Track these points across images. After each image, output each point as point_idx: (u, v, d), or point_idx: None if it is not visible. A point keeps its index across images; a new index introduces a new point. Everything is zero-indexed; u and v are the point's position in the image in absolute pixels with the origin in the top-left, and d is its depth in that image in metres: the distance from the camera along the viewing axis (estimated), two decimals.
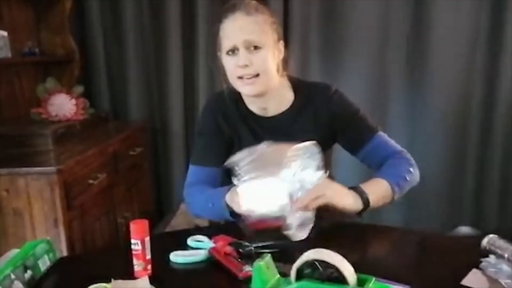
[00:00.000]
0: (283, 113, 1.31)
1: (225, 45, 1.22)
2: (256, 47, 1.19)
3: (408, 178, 1.22)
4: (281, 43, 1.27)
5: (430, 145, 2.74)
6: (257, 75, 1.20)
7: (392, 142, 1.32)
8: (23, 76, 2.40)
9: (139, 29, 2.74)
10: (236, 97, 1.32)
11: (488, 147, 2.72)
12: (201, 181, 1.30)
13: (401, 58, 2.69)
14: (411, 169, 1.24)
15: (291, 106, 1.31)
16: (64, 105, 2.30)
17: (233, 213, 1.14)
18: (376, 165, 1.29)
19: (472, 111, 2.71)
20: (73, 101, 2.33)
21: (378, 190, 1.18)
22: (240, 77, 1.21)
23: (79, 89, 2.41)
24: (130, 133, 2.51)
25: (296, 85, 1.33)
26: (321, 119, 1.29)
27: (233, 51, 1.20)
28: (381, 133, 1.31)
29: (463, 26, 2.61)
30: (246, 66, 1.19)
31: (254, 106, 1.31)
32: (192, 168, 1.35)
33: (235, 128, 1.32)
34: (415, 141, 2.77)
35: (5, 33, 2.18)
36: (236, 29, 1.20)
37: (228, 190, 1.15)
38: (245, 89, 1.24)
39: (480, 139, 2.72)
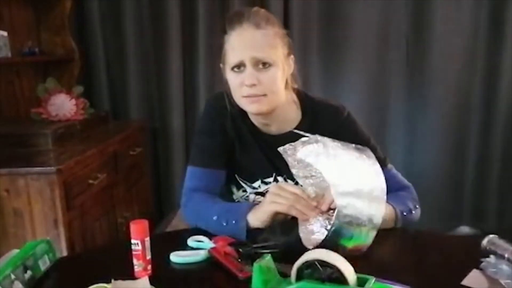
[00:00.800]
0: (288, 133, 1.20)
1: (231, 60, 1.12)
2: (264, 64, 1.10)
3: (413, 212, 1.16)
4: (292, 58, 1.18)
5: (430, 144, 2.75)
6: (264, 94, 1.11)
7: (400, 175, 1.25)
8: (23, 76, 2.40)
9: (139, 30, 2.74)
10: (238, 108, 1.22)
11: (488, 147, 2.72)
12: (204, 186, 1.20)
13: (401, 57, 2.69)
14: (416, 205, 1.19)
15: (297, 126, 1.21)
16: (64, 105, 2.30)
17: (249, 233, 1.07)
18: None
19: (472, 111, 2.71)
20: (73, 101, 2.33)
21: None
22: (245, 96, 1.12)
23: (79, 89, 2.41)
24: (130, 133, 2.51)
25: (304, 103, 1.23)
26: None
27: (239, 67, 1.11)
28: (390, 165, 1.24)
29: (463, 25, 2.61)
30: (253, 85, 1.10)
31: (256, 121, 1.24)
32: (192, 170, 1.23)
33: (240, 134, 1.24)
34: (415, 140, 2.77)
35: (5, 33, 2.18)
36: (243, 44, 1.10)
37: (249, 208, 1.09)
38: (250, 108, 1.15)
39: (480, 139, 2.73)
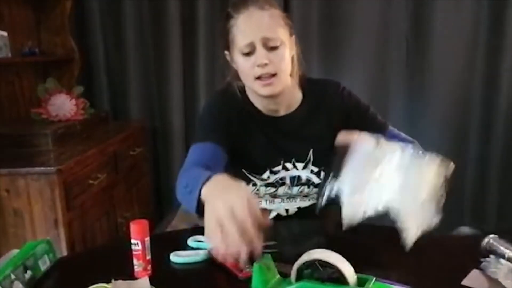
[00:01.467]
0: (293, 113, 1.26)
1: (241, 43, 1.13)
2: (273, 45, 1.12)
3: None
4: (293, 38, 1.21)
5: (429, 144, 2.73)
6: (275, 74, 1.13)
7: (403, 134, 1.30)
8: (23, 76, 2.40)
9: (139, 29, 2.74)
10: (242, 95, 1.26)
11: (488, 147, 2.72)
12: (202, 160, 1.11)
13: (401, 58, 2.69)
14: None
15: (300, 106, 1.27)
16: (64, 105, 2.30)
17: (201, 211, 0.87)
18: None
19: (472, 111, 2.71)
20: (73, 101, 2.33)
21: None
22: (258, 77, 1.14)
23: (79, 89, 2.41)
24: (130, 133, 2.51)
25: (303, 82, 1.27)
26: (336, 118, 1.26)
27: (249, 51, 1.12)
28: (391, 127, 1.30)
29: (463, 26, 2.61)
30: (266, 64, 1.12)
31: (262, 106, 1.25)
32: (191, 148, 1.18)
33: (246, 127, 1.24)
34: (415, 140, 2.77)
35: (5, 33, 2.18)
36: (252, 26, 1.12)
37: (208, 178, 0.89)
38: (264, 90, 1.16)
39: (480, 139, 2.73)
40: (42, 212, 1.74)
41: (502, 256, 0.93)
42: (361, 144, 1.00)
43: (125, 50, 2.76)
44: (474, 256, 0.95)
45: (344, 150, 1.01)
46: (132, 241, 0.92)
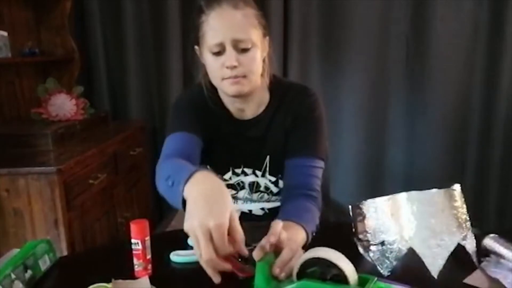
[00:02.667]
0: (258, 116, 1.21)
1: (210, 42, 1.08)
2: (244, 47, 1.07)
3: (318, 228, 1.05)
4: (267, 39, 1.15)
5: (430, 144, 2.74)
6: (244, 76, 1.09)
7: (319, 179, 1.16)
8: (23, 76, 2.40)
9: (139, 29, 2.74)
10: (212, 93, 1.21)
11: (488, 147, 2.72)
12: (179, 150, 1.11)
13: (401, 58, 2.69)
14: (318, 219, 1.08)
15: (266, 109, 1.21)
16: (64, 105, 2.30)
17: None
18: (288, 185, 1.15)
19: (472, 111, 2.71)
20: (73, 101, 2.33)
21: (299, 235, 0.96)
22: (226, 78, 1.10)
23: (79, 89, 2.41)
24: (130, 133, 2.51)
25: (273, 84, 1.21)
26: (288, 123, 1.19)
27: (218, 50, 1.08)
28: (321, 163, 1.17)
29: (463, 25, 2.61)
30: (234, 67, 1.07)
31: (231, 106, 1.22)
32: (167, 138, 1.17)
33: (213, 125, 1.22)
34: (415, 141, 2.77)
35: (5, 33, 2.18)
36: (223, 25, 1.07)
37: (194, 172, 0.86)
38: (231, 89, 1.11)
39: (480, 139, 2.73)
40: (42, 212, 1.74)
41: (502, 255, 0.93)
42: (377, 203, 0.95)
43: (125, 50, 2.76)
44: (475, 256, 0.95)
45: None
46: (132, 240, 0.92)
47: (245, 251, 0.80)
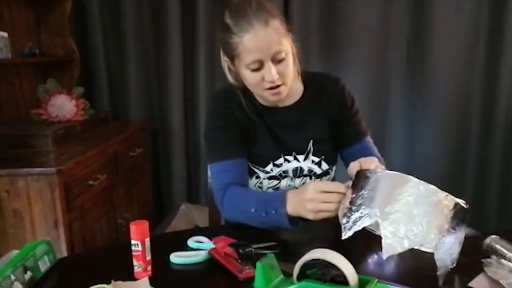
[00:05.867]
0: (294, 104, 1.30)
1: (247, 61, 1.14)
2: (280, 58, 1.15)
3: None
4: (290, 35, 1.21)
5: (430, 145, 2.74)
6: (283, 83, 1.18)
7: (376, 149, 1.34)
8: (23, 77, 2.40)
9: (139, 29, 2.74)
10: (242, 89, 1.28)
11: (488, 147, 2.72)
12: (232, 178, 1.23)
13: (401, 58, 2.70)
14: None
15: (302, 97, 1.31)
16: (64, 106, 2.30)
17: (291, 220, 1.08)
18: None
19: (472, 112, 2.71)
20: (73, 102, 2.33)
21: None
22: (267, 89, 1.18)
23: (79, 90, 2.41)
24: (130, 133, 2.51)
25: (303, 75, 1.31)
26: (333, 110, 1.31)
27: (257, 67, 1.15)
28: (369, 137, 1.35)
29: (463, 26, 2.61)
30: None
31: (263, 99, 1.29)
32: (216, 166, 1.25)
33: (251, 121, 1.28)
34: (415, 141, 2.77)
35: (5, 34, 2.18)
36: (260, 46, 1.12)
37: (284, 196, 1.09)
38: (272, 98, 1.21)
39: (480, 139, 2.73)
40: (42, 213, 1.73)
41: (503, 256, 0.93)
42: (381, 174, 0.97)
43: (125, 50, 2.76)
44: (475, 257, 0.94)
45: (357, 180, 1.01)
46: (132, 242, 0.92)
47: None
